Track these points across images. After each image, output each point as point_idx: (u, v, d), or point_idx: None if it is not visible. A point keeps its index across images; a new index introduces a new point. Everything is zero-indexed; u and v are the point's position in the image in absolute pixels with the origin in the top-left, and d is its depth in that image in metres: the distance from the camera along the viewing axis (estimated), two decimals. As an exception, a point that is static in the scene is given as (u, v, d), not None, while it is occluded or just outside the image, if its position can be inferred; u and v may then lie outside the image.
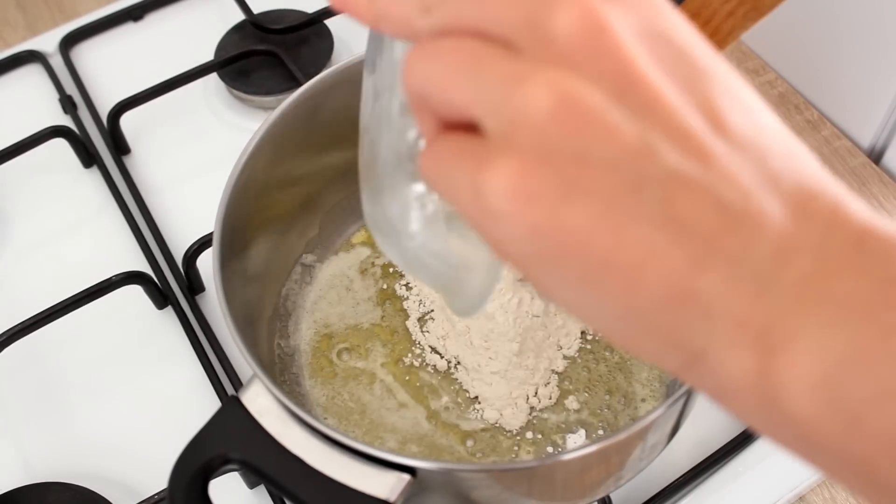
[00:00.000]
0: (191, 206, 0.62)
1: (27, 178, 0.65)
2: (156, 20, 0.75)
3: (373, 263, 0.54)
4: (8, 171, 0.64)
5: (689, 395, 0.38)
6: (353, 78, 0.50)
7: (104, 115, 0.65)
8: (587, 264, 0.23)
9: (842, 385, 0.21)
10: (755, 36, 0.70)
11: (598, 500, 0.46)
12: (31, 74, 0.72)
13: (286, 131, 0.48)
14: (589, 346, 0.50)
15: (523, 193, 0.22)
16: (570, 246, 0.23)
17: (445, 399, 0.48)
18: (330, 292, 0.53)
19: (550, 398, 0.48)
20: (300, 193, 0.52)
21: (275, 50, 0.68)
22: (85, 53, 0.73)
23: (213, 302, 0.57)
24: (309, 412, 0.38)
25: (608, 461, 0.39)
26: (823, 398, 0.21)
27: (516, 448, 0.46)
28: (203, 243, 0.56)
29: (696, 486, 0.49)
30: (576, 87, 0.22)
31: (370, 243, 0.55)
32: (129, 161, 0.65)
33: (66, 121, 0.67)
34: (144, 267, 0.58)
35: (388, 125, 0.30)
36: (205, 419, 0.38)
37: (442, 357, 0.49)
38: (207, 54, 0.69)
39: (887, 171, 0.64)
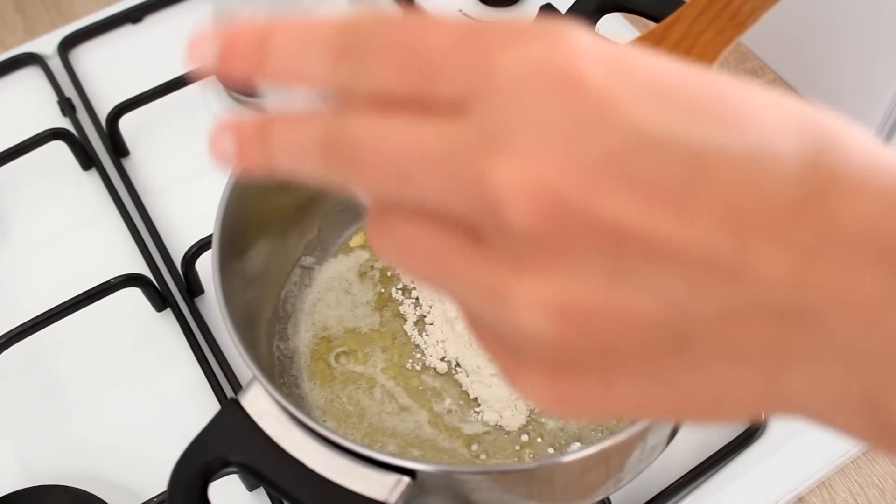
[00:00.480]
0: (190, 209, 0.62)
1: (26, 181, 0.65)
2: (155, 22, 0.75)
3: (371, 266, 0.54)
4: (7, 173, 0.64)
5: (688, 396, 0.38)
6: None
7: (103, 117, 0.65)
8: (656, 416, 0.22)
9: None
10: (754, 36, 0.70)
11: (597, 502, 0.46)
12: (30, 77, 0.71)
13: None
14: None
15: (564, 399, 0.21)
16: (631, 412, 0.22)
17: (448, 402, 0.48)
18: (328, 295, 0.53)
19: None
20: (299, 196, 0.52)
21: (273, 52, 0.68)
22: (84, 56, 0.73)
23: (213, 304, 0.57)
24: (308, 415, 0.38)
25: (608, 463, 0.39)
26: None
27: (518, 449, 0.46)
28: (202, 245, 0.56)
29: (695, 488, 0.49)
30: (567, 293, 0.20)
31: (368, 246, 0.55)
32: (127, 163, 0.65)
33: (64, 123, 0.67)
34: (143, 269, 0.58)
35: None
36: (204, 421, 0.38)
37: (442, 360, 0.49)
38: (206, 56, 0.69)
39: (886, 172, 0.64)
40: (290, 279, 0.53)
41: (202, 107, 0.69)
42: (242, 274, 0.47)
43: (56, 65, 0.71)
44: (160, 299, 0.57)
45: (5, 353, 0.53)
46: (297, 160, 0.23)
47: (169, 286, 0.58)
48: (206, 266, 0.55)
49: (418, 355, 0.50)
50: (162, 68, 0.67)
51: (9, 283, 0.60)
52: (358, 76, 0.22)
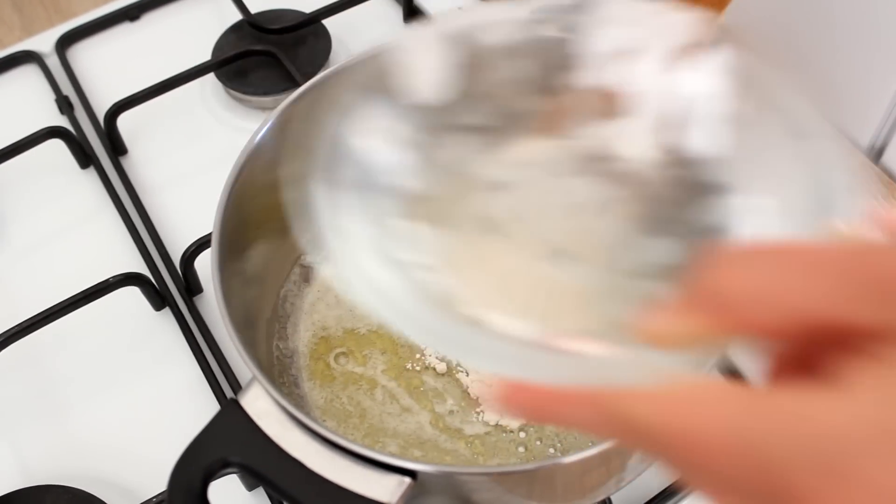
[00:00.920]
0: (188, 207, 0.62)
1: (23, 180, 0.65)
2: (153, 20, 0.75)
3: (371, 265, 0.54)
4: (4, 172, 0.63)
5: (689, 396, 0.38)
6: (352, 79, 0.50)
7: (101, 115, 0.65)
8: None
9: None
10: (754, 35, 0.70)
11: (598, 502, 0.46)
12: (27, 75, 0.71)
13: (285, 132, 0.48)
14: (588, 347, 0.50)
15: None
16: None
17: (450, 402, 0.48)
18: (328, 294, 0.53)
19: (550, 399, 0.48)
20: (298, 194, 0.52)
21: (272, 50, 0.67)
22: (81, 54, 0.72)
23: (211, 303, 0.57)
24: (308, 415, 0.38)
25: (609, 463, 0.39)
26: None
27: (520, 450, 0.46)
28: (201, 244, 0.56)
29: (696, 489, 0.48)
30: None
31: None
32: (126, 162, 0.65)
33: (62, 121, 0.67)
34: (142, 268, 0.58)
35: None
36: (203, 421, 0.38)
37: (441, 360, 0.49)
38: (205, 54, 0.69)
39: (886, 171, 0.64)
40: (289, 278, 0.53)
41: (201, 105, 0.68)
42: (242, 273, 0.47)
43: (53, 63, 0.71)
44: (159, 298, 0.57)
45: (3, 352, 0.52)
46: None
47: (167, 285, 0.57)
48: (204, 265, 0.55)
49: (418, 355, 0.50)
50: (160, 66, 0.67)
51: (6, 283, 0.60)
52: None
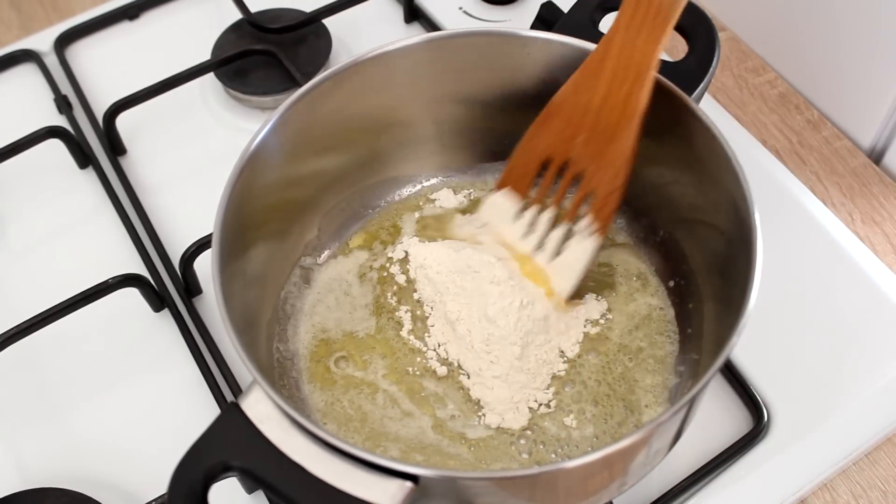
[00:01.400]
0: (187, 208, 0.62)
1: (22, 180, 0.64)
2: (152, 19, 0.74)
3: (370, 267, 0.54)
4: (2, 172, 0.63)
5: (692, 401, 0.38)
6: (352, 79, 0.49)
7: (100, 115, 0.65)
8: None
9: None
10: (756, 35, 0.70)
11: (599, 505, 0.46)
12: (26, 74, 0.71)
13: (285, 133, 0.48)
14: (591, 350, 0.49)
15: None
16: None
17: (451, 406, 0.48)
18: (328, 296, 0.53)
19: (551, 403, 0.48)
20: (299, 195, 0.52)
21: (272, 49, 0.67)
22: (80, 53, 0.72)
23: (211, 305, 0.57)
24: (308, 418, 0.38)
25: (611, 468, 0.39)
26: None
27: (523, 455, 0.46)
28: (200, 245, 0.55)
29: (697, 491, 0.48)
30: None
31: (366, 246, 0.55)
32: (125, 162, 0.65)
33: (61, 121, 0.67)
34: (141, 269, 0.57)
35: None
36: (203, 423, 0.38)
37: (443, 364, 0.49)
38: (204, 54, 0.69)
39: (887, 172, 0.63)
40: (289, 280, 0.52)
41: (200, 105, 0.68)
42: (242, 274, 0.46)
43: (52, 62, 0.71)
44: (158, 300, 0.56)
45: (1, 354, 0.52)
46: None
47: (167, 286, 0.57)
48: (204, 266, 0.55)
49: (419, 359, 0.50)
50: (159, 65, 0.67)
51: (4, 284, 0.60)
52: None
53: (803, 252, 0.57)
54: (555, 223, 0.51)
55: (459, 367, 0.49)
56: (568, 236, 0.50)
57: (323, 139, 0.51)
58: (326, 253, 0.54)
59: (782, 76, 0.69)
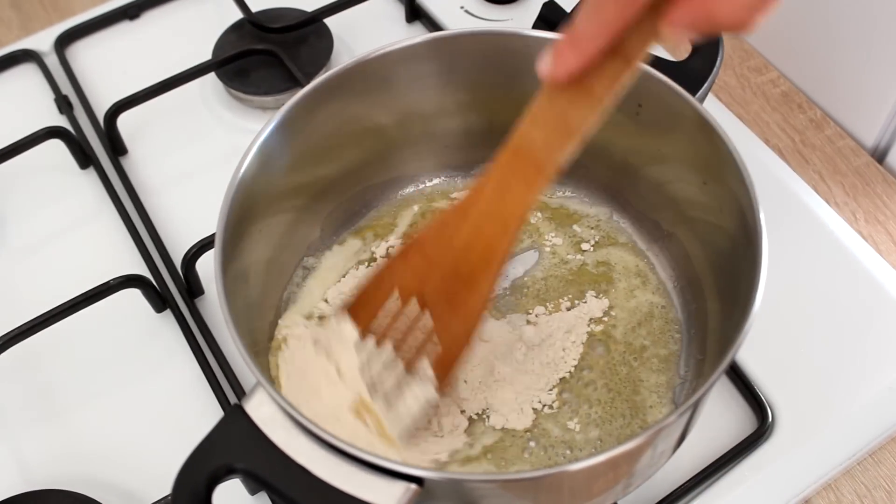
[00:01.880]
0: (189, 208, 0.61)
1: (23, 180, 0.64)
2: (152, 19, 0.74)
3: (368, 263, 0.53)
4: (3, 173, 0.63)
5: (697, 403, 0.38)
6: (354, 79, 0.49)
7: (101, 115, 0.65)
8: None
9: None
10: (758, 35, 0.70)
11: (604, 506, 0.46)
12: (26, 74, 0.71)
13: (288, 133, 0.47)
14: (595, 350, 0.49)
15: None
16: None
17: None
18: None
19: (555, 404, 0.47)
20: (301, 195, 0.51)
21: (273, 49, 0.67)
22: (81, 53, 0.72)
23: (213, 305, 0.57)
24: (312, 420, 0.37)
25: (616, 470, 0.39)
26: None
27: (527, 456, 0.46)
28: (202, 245, 0.55)
29: (702, 491, 0.48)
30: None
31: (360, 237, 0.54)
32: (126, 162, 0.65)
33: (61, 121, 0.66)
34: (142, 270, 0.57)
35: None
36: (205, 424, 0.38)
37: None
38: (205, 54, 0.68)
39: (891, 171, 0.63)
40: (292, 280, 0.52)
41: (201, 105, 0.68)
42: (244, 274, 0.46)
43: (52, 62, 0.70)
44: (160, 300, 0.56)
45: (3, 355, 0.52)
46: None
47: (168, 287, 0.57)
48: (206, 266, 0.54)
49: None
50: (160, 65, 0.67)
51: (6, 285, 0.59)
52: None
53: (806, 251, 0.57)
54: (393, 362, 0.45)
55: (465, 381, 0.48)
56: (403, 382, 0.45)
57: (325, 139, 0.51)
58: (328, 253, 0.54)
59: (785, 75, 0.69)
